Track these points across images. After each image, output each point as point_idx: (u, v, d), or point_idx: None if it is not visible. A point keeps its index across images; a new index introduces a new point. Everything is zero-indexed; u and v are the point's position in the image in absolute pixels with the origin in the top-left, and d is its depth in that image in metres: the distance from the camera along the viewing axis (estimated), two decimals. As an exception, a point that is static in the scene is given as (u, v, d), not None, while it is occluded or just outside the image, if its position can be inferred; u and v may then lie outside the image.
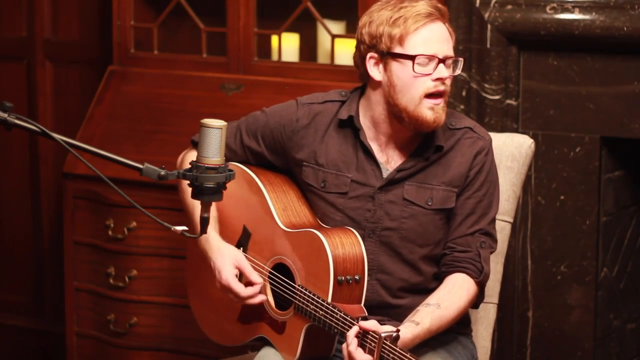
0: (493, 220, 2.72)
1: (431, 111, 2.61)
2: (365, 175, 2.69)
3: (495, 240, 2.73)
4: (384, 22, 2.62)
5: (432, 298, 2.61)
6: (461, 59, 2.65)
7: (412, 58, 2.59)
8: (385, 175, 2.68)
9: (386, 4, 2.64)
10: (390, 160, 2.70)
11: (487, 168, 2.70)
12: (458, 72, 2.64)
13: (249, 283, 2.70)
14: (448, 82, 2.63)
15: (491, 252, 2.71)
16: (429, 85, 2.60)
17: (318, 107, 2.76)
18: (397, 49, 2.61)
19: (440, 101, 2.62)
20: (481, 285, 2.68)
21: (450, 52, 2.63)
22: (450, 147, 2.69)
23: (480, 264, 2.66)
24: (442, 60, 2.60)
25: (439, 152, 2.68)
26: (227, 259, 2.71)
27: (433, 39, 2.60)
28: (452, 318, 2.61)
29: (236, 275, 2.70)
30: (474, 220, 2.68)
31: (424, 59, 2.59)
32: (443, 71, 2.60)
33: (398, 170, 2.67)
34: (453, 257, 2.67)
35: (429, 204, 2.67)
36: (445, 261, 2.68)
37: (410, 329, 2.52)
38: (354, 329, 2.47)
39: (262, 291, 2.72)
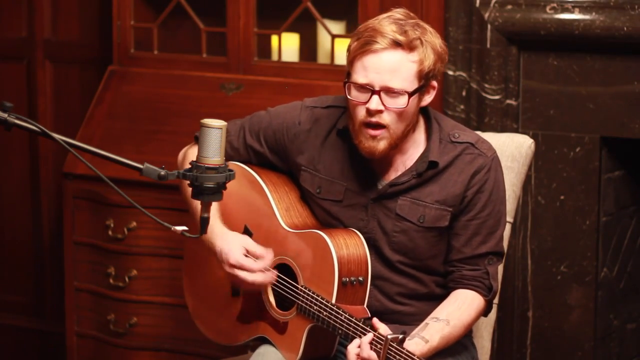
0: (501, 237, 2.68)
1: (367, 140, 2.57)
2: (360, 185, 2.68)
3: (503, 254, 2.71)
4: (353, 37, 2.59)
5: (442, 312, 2.59)
6: (401, 92, 2.53)
7: (347, 83, 2.57)
8: (379, 187, 2.67)
9: (370, 20, 2.60)
10: (386, 172, 2.67)
11: (489, 187, 2.64)
12: (401, 103, 2.53)
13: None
14: (386, 116, 2.54)
15: (499, 265, 2.69)
16: (362, 113, 2.56)
17: (321, 111, 2.74)
18: (349, 70, 2.59)
19: (378, 133, 2.55)
20: (489, 301, 2.67)
21: (394, 84, 2.52)
22: (449, 163, 2.64)
23: (489, 282, 2.64)
24: (377, 92, 2.53)
25: (435, 168, 2.64)
26: (234, 243, 2.68)
27: (373, 68, 2.53)
28: (458, 336, 2.60)
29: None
30: (480, 240, 2.65)
31: (358, 87, 2.55)
32: (372, 103, 2.53)
33: (391, 184, 2.65)
34: (461, 275, 2.65)
35: (421, 221, 2.64)
36: (454, 277, 2.66)
37: (420, 347, 2.49)
38: (369, 336, 2.46)
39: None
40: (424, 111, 2.68)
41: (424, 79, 2.57)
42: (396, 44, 2.53)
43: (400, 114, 2.55)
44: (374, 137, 2.56)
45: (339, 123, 2.70)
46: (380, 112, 2.54)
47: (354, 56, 2.57)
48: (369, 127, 2.56)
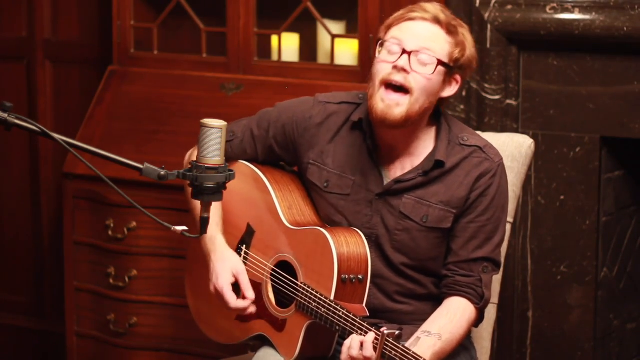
0: (498, 245, 2.67)
1: (382, 102, 2.56)
2: (367, 180, 2.67)
3: (499, 264, 2.70)
4: (386, 20, 2.62)
5: (433, 326, 2.58)
6: (431, 60, 2.54)
7: (380, 42, 2.58)
8: (385, 183, 2.67)
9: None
10: (393, 168, 2.67)
11: (492, 192, 2.64)
12: (428, 71, 2.53)
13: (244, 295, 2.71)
14: (412, 79, 2.54)
15: (494, 275, 2.68)
16: (387, 70, 2.56)
17: (333, 107, 2.74)
18: (381, 36, 2.61)
19: (395, 97, 2.55)
20: (481, 310, 2.66)
21: (426, 50, 2.54)
22: (455, 165, 2.64)
23: (481, 290, 2.63)
24: (408, 53, 2.54)
25: (441, 167, 2.64)
26: (227, 265, 2.70)
27: (409, 33, 2.55)
28: (450, 350, 2.59)
29: (232, 284, 2.71)
30: (477, 245, 2.64)
31: (390, 45, 2.55)
32: (401, 60, 2.54)
33: (396, 181, 2.65)
34: (455, 281, 2.64)
35: (424, 221, 2.64)
36: (447, 283, 2.66)
37: None
38: (371, 336, 2.46)
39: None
40: (436, 114, 2.68)
41: (454, 63, 2.58)
42: (436, 20, 2.56)
43: (426, 82, 2.55)
44: (390, 101, 2.54)
45: (353, 116, 2.70)
46: (406, 72, 2.54)
47: (389, 24, 2.58)
48: (389, 88, 2.56)
